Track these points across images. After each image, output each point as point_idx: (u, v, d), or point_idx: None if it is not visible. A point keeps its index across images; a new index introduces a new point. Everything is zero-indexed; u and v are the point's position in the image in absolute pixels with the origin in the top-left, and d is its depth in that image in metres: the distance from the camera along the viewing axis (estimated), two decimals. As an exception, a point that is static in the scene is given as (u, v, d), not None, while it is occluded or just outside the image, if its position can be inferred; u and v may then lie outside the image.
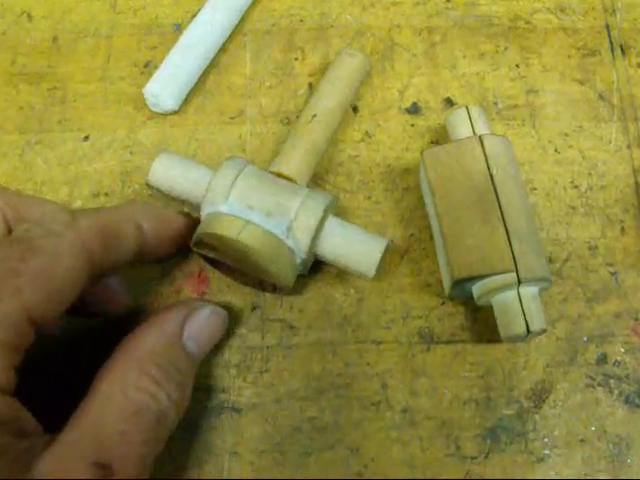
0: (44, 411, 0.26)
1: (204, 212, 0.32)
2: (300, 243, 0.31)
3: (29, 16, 0.42)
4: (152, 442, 0.26)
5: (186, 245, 0.32)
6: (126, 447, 0.24)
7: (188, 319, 0.29)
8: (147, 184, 0.34)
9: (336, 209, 0.33)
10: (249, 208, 0.31)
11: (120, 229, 0.29)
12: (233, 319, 0.34)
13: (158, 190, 0.34)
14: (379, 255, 0.31)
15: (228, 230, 0.30)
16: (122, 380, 0.26)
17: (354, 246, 0.32)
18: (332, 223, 0.32)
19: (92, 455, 0.23)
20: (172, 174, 0.33)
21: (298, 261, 0.32)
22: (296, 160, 0.34)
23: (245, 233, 0.30)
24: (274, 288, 0.34)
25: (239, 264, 0.32)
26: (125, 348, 0.27)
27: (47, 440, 0.24)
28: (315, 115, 0.35)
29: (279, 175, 0.33)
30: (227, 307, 0.33)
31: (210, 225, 0.31)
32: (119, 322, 0.33)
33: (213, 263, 0.34)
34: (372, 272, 0.31)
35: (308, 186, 0.34)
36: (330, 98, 0.36)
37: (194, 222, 0.33)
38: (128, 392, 0.25)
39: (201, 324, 0.29)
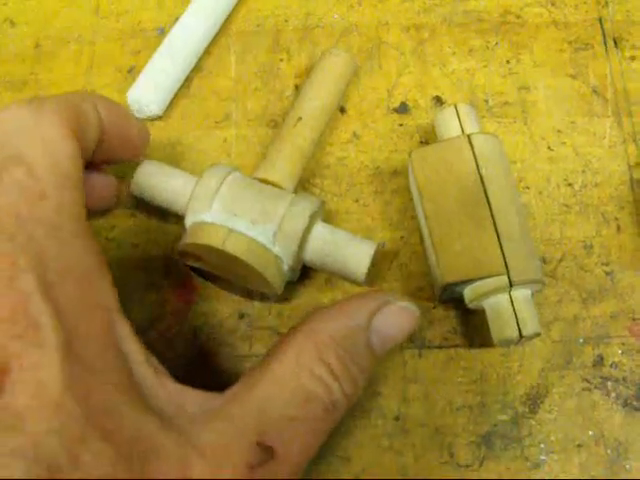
0: None
1: (188, 221, 0.31)
2: (287, 250, 0.30)
3: (11, 22, 0.42)
4: (319, 433, 0.24)
5: (139, 153, 0.32)
6: (293, 433, 0.23)
7: (378, 312, 0.26)
8: (131, 194, 0.33)
9: (324, 213, 0.33)
10: (234, 216, 0.30)
11: (84, 108, 0.27)
12: (222, 328, 0.33)
13: (142, 199, 0.33)
14: (369, 259, 0.31)
15: (212, 239, 0.29)
16: (297, 362, 0.24)
17: (343, 251, 0.31)
18: (319, 228, 0.31)
19: (256, 435, 0.22)
20: (154, 183, 0.32)
21: (285, 268, 0.31)
22: (281, 165, 0.33)
23: (229, 242, 0.29)
24: (262, 296, 0.33)
25: (225, 273, 0.31)
26: (307, 327, 0.25)
27: (200, 397, 0.24)
28: (300, 118, 0.34)
29: (265, 181, 0.32)
30: None
31: (194, 235, 0.30)
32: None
33: (200, 273, 0.33)
34: (362, 276, 0.31)
35: (295, 191, 0.34)
36: (315, 100, 0.35)
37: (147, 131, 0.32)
38: (302, 377, 0.24)
39: (391, 320, 0.26)
